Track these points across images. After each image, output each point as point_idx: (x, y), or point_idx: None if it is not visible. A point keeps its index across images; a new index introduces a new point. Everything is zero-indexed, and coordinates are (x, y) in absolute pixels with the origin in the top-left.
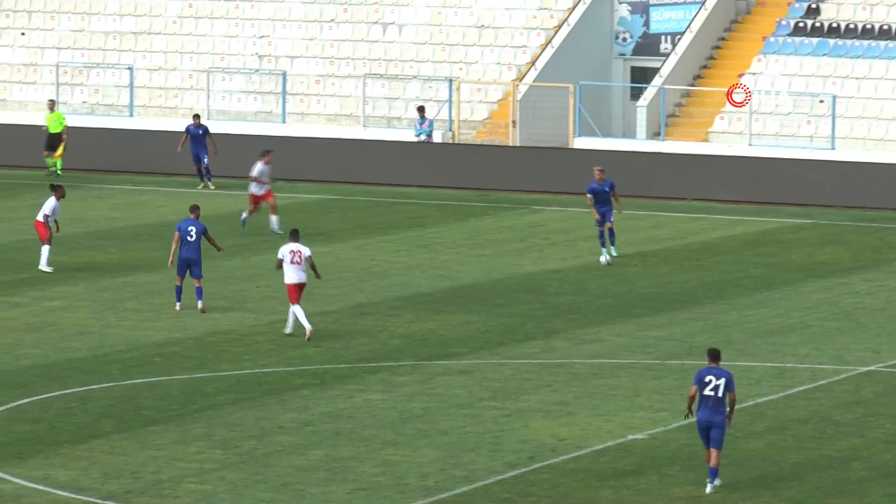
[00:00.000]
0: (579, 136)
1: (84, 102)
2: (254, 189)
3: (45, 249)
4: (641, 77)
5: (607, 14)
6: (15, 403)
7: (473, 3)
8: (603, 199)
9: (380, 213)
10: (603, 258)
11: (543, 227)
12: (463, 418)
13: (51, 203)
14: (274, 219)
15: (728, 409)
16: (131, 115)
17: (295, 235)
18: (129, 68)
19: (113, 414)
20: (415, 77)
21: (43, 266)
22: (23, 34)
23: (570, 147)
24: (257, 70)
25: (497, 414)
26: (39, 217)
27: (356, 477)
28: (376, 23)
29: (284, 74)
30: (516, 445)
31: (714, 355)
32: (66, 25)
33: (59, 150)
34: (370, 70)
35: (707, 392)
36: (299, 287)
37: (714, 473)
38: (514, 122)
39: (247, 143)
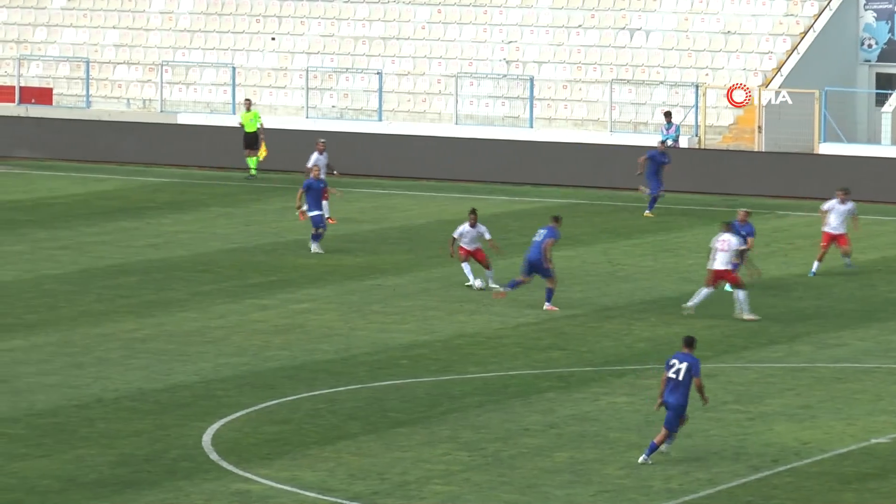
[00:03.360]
0: (824, 141)
1: (333, 107)
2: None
3: (489, 273)
4: (887, 83)
5: (853, 20)
6: (264, 405)
7: (720, 10)
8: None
9: (625, 217)
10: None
11: (788, 231)
12: (707, 422)
13: (459, 228)
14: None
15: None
16: (380, 120)
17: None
18: (377, 73)
19: (360, 415)
20: (661, 82)
21: (476, 283)
22: (273, 39)
23: (815, 153)
24: (505, 75)
25: (741, 417)
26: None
27: (601, 479)
28: (623, 28)
29: (532, 79)
30: (760, 449)
31: (689, 342)
32: (315, 31)
33: (262, 151)
34: (617, 75)
35: (670, 374)
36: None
37: (653, 448)
38: (759, 127)
39: (494, 148)
